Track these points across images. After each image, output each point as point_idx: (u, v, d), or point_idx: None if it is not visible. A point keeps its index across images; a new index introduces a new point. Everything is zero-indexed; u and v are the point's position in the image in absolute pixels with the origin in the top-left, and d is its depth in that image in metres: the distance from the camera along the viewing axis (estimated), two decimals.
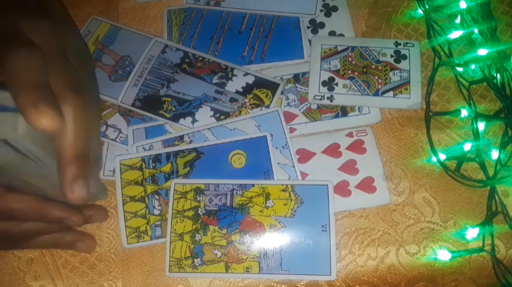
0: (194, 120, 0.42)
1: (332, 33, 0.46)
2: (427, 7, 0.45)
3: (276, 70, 0.44)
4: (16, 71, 0.29)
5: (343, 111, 0.43)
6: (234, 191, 0.39)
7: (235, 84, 0.43)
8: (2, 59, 0.29)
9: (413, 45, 0.44)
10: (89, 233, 0.40)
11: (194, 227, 0.38)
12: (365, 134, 0.41)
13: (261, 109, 0.42)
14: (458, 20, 0.45)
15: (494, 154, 0.40)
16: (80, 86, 0.33)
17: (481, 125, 0.41)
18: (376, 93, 0.43)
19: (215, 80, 0.43)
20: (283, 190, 0.39)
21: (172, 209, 0.39)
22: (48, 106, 0.28)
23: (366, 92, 0.43)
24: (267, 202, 0.38)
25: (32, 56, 0.30)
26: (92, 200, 0.40)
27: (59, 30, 0.34)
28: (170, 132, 0.42)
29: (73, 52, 0.35)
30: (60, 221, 0.34)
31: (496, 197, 0.39)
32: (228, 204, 0.39)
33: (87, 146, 0.32)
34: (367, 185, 0.40)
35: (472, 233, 0.38)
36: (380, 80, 0.43)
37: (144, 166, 0.40)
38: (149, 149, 0.41)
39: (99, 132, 0.38)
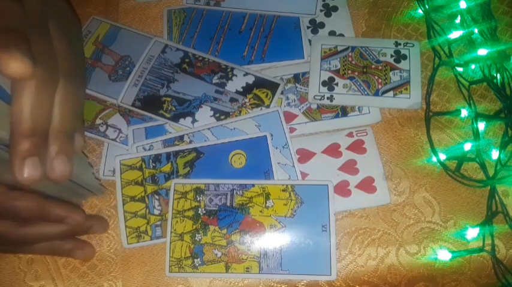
0: (194, 120, 0.42)
1: (332, 33, 0.46)
2: (427, 7, 0.45)
3: (276, 70, 0.44)
4: None
5: (343, 111, 0.43)
6: (234, 191, 0.39)
7: (235, 84, 0.43)
8: None
9: (413, 45, 0.44)
10: (88, 241, 0.39)
11: (194, 227, 0.38)
12: (365, 134, 0.41)
13: (261, 109, 0.42)
14: (458, 20, 0.45)
15: (494, 154, 0.40)
16: (50, 58, 0.31)
17: (481, 125, 0.41)
18: (376, 93, 0.43)
19: (215, 80, 0.43)
20: (283, 190, 0.39)
21: (173, 209, 0.39)
22: (20, 50, 0.26)
23: (366, 92, 0.43)
24: (267, 202, 0.38)
25: (12, 3, 0.28)
26: (82, 195, 0.39)
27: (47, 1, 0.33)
28: (170, 132, 0.42)
29: (55, 21, 0.33)
30: (62, 219, 0.34)
31: (496, 197, 0.39)
32: (228, 204, 0.39)
33: (47, 120, 0.30)
34: (367, 185, 0.40)
35: (472, 233, 0.38)
36: (380, 80, 0.43)
37: (144, 166, 0.40)
38: (149, 149, 0.41)
39: (78, 108, 0.34)
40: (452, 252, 0.37)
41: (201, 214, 0.39)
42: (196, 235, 0.38)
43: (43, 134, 0.29)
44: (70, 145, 0.32)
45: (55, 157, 0.30)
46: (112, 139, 0.42)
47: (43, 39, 0.31)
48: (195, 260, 0.37)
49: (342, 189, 0.40)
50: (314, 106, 0.43)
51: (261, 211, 0.38)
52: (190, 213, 0.39)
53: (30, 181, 0.28)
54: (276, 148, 0.40)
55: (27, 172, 0.28)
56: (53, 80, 0.30)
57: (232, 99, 0.43)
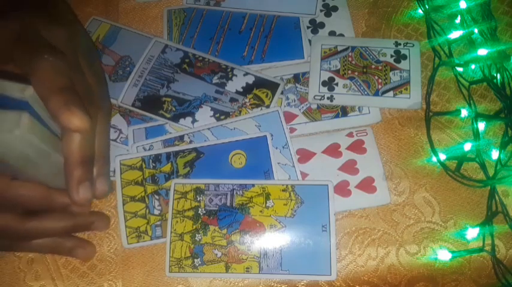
0: (194, 120, 0.42)
1: (332, 33, 0.46)
2: (427, 7, 0.45)
3: (276, 70, 0.44)
4: (46, 75, 0.31)
5: (343, 111, 0.43)
6: (234, 191, 0.39)
7: (235, 84, 0.43)
8: (30, 63, 0.31)
9: (413, 45, 0.44)
10: (89, 241, 0.39)
11: (194, 227, 0.38)
12: (365, 134, 0.41)
13: (261, 109, 0.42)
14: (458, 20, 0.45)
15: (494, 154, 0.40)
16: (89, 92, 0.34)
17: (481, 125, 0.41)
18: (376, 93, 0.43)
19: (215, 80, 0.43)
20: (283, 190, 0.39)
21: (173, 209, 0.39)
22: (78, 107, 0.30)
23: (366, 92, 0.43)
24: (267, 202, 0.38)
25: (59, 61, 0.32)
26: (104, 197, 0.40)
27: (72, 35, 0.36)
28: (170, 133, 0.42)
29: (84, 57, 0.36)
30: (67, 206, 0.35)
31: (496, 197, 0.39)
32: (228, 204, 0.39)
33: (93, 150, 0.34)
34: (367, 185, 0.40)
35: (472, 233, 0.38)
36: (380, 80, 0.43)
37: (144, 166, 0.40)
38: (149, 149, 0.41)
39: (109, 132, 0.40)
40: (452, 252, 0.37)
41: (201, 214, 0.39)
42: (196, 235, 0.38)
43: (91, 161, 0.34)
44: (107, 166, 0.37)
45: (97, 179, 0.35)
46: (112, 139, 0.42)
47: (81, 78, 0.35)
48: (195, 260, 0.37)
49: (342, 189, 0.40)
50: (314, 106, 0.43)
51: (261, 211, 0.38)
52: (190, 213, 0.39)
53: (83, 202, 0.33)
54: (276, 148, 0.40)
55: (82, 194, 0.33)
56: (96, 116, 0.35)
57: (232, 99, 0.43)
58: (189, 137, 0.41)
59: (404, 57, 0.44)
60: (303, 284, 0.38)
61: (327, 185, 0.39)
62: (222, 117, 0.42)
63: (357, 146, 0.41)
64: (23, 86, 0.30)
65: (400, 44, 0.44)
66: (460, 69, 0.43)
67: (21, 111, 0.29)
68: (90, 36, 0.45)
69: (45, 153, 0.31)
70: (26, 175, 0.32)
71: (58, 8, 0.39)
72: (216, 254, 0.37)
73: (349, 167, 0.40)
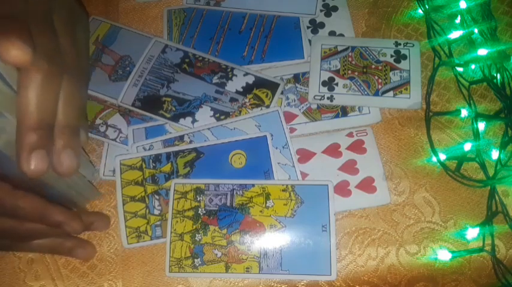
0: (194, 120, 0.42)
1: (332, 33, 0.46)
2: (427, 7, 0.45)
3: (276, 70, 0.44)
4: None
5: (343, 111, 0.43)
6: (234, 191, 0.39)
7: (235, 84, 0.43)
8: None
9: (413, 45, 0.44)
10: (90, 241, 0.39)
11: (194, 227, 0.38)
12: (365, 134, 0.41)
13: (261, 109, 0.42)
14: (458, 20, 0.45)
15: (494, 154, 0.40)
16: (55, 52, 0.31)
17: (481, 125, 0.41)
18: (376, 93, 0.43)
19: (215, 80, 0.43)
20: (283, 190, 0.39)
21: (173, 209, 0.39)
22: (20, 37, 0.27)
23: (366, 92, 0.43)
24: (267, 202, 0.38)
25: None
26: (79, 198, 0.39)
27: None
28: (170, 132, 0.42)
29: (59, 16, 0.33)
30: (59, 225, 0.34)
31: (496, 197, 0.39)
32: (228, 204, 0.39)
33: (52, 114, 0.30)
34: (367, 185, 0.40)
35: (472, 233, 0.38)
36: (380, 80, 0.43)
37: (144, 165, 0.40)
38: (149, 149, 0.41)
39: (82, 102, 0.35)
40: (452, 252, 0.37)
41: (201, 214, 0.39)
42: (196, 235, 0.38)
43: (49, 128, 0.30)
44: (76, 139, 0.32)
45: (62, 151, 0.31)
46: (112, 139, 0.42)
47: (47, 32, 0.31)
48: (195, 260, 0.37)
49: (342, 189, 0.40)
50: (314, 106, 0.43)
51: (261, 211, 0.38)
52: (190, 213, 0.39)
53: (37, 173, 0.29)
54: (276, 148, 0.40)
55: (35, 164, 0.28)
56: (58, 75, 0.30)
57: (232, 99, 0.43)
58: (189, 137, 0.41)
59: (404, 57, 0.44)
60: (303, 284, 0.38)
61: (327, 185, 0.39)
62: (222, 117, 0.42)
63: (357, 146, 0.41)
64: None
65: (400, 44, 0.44)
66: (460, 69, 0.43)
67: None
68: (80, 8, 0.41)
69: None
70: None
71: None
72: (216, 254, 0.37)
73: (349, 167, 0.40)
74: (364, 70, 0.44)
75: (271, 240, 0.37)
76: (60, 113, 0.31)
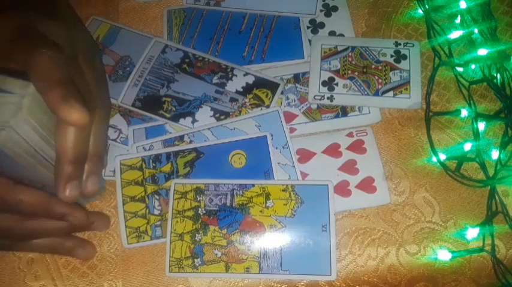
0: (194, 120, 0.42)
1: (332, 33, 0.46)
2: (427, 7, 0.45)
3: (276, 70, 0.44)
4: (44, 68, 0.31)
5: (343, 111, 0.43)
6: (234, 191, 0.39)
7: (235, 84, 0.43)
8: (29, 58, 0.31)
9: (413, 45, 0.44)
10: (89, 241, 0.39)
11: (194, 227, 0.38)
12: (365, 134, 0.41)
13: (261, 109, 0.42)
14: (458, 20, 0.45)
15: (494, 154, 0.40)
16: (86, 90, 0.34)
17: (481, 125, 0.41)
18: (376, 93, 0.43)
19: (215, 80, 0.43)
20: (283, 190, 0.39)
21: (173, 209, 0.39)
22: (77, 101, 0.30)
23: (366, 92, 0.43)
24: (267, 202, 0.38)
25: (57, 54, 0.32)
26: (91, 199, 0.40)
27: (71, 32, 0.36)
28: (170, 132, 0.42)
29: (83, 54, 0.36)
30: (63, 217, 0.35)
31: (496, 197, 0.39)
32: (228, 204, 0.39)
33: (87, 148, 0.34)
34: (367, 185, 0.40)
35: (472, 233, 0.38)
36: (380, 80, 0.43)
37: (144, 166, 0.40)
38: (149, 149, 0.41)
39: (107, 132, 0.40)
40: (452, 252, 0.37)
41: (201, 214, 0.39)
42: (196, 235, 0.38)
43: (83, 160, 0.34)
44: (100, 165, 0.37)
45: (88, 177, 0.35)
46: (112, 139, 0.42)
47: (79, 76, 0.34)
48: (195, 260, 0.37)
49: (342, 189, 0.40)
50: (314, 106, 0.43)
51: (261, 211, 0.38)
52: (190, 213, 0.39)
53: (70, 200, 0.33)
54: (276, 148, 0.40)
55: (69, 192, 0.32)
56: (92, 112, 0.34)
57: (232, 99, 0.43)
58: (189, 137, 0.41)
59: (404, 57, 0.44)
60: (303, 284, 0.38)
61: (327, 185, 0.39)
62: (222, 117, 0.42)
63: (357, 146, 0.41)
64: (25, 82, 0.30)
65: (400, 44, 0.44)
66: (460, 69, 0.43)
67: (23, 95, 0.29)
68: (90, 34, 0.45)
69: (42, 143, 0.31)
70: (25, 170, 0.32)
71: (57, 6, 0.38)
72: (216, 254, 0.37)
73: (349, 167, 0.40)
74: (364, 70, 0.44)
75: (271, 240, 0.37)
76: (91, 145, 0.35)
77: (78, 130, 0.32)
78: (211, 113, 0.42)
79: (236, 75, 0.43)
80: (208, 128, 0.41)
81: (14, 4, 0.35)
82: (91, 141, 0.35)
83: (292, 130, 0.42)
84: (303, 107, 0.43)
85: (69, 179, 0.32)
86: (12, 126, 0.29)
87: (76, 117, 0.30)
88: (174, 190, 0.39)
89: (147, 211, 0.39)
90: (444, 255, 0.37)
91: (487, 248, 0.37)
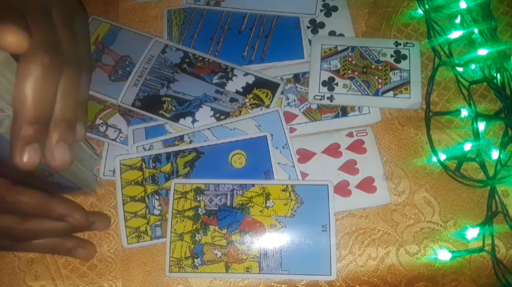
0: (194, 120, 0.42)
1: (332, 33, 0.46)
2: (427, 7, 0.45)
3: (276, 70, 0.44)
4: None
5: (343, 111, 0.43)
6: (234, 191, 0.39)
7: (235, 84, 0.43)
8: None
9: (413, 45, 0.44)
10: (90, 241, 0.39)
11: (194, 227, 0.38)
12: (365, 134, 0.41)
13: (261, 109, 0.42)
14: (458, 20, 0.45)
15: (495, 154, 0.40)
16: (54, 46, 0.31)
17: (481, 125, 0.41)
18: (376, 93, 0.43)
19: (215, 80, 0.43)
20: (283, 190, 0.39)
21: (173, 209, 0.39)
22: (15, 23, 0.26)
23: (366, 92, 0.43)
24: (267, 202, 0.38)
25: None
26: (75, 186, 0.38)
27: None
28: (170, 133, 0.42)
29: (58, 9, 0.33)
30: (63, 218, 0.34)
31: (496, 197, 0.39)
32: (228, 204, 0.39)
33: (49, 108, 0.30)
34: (367, 185, 0.40)
35: (472, 233, 0.38)
36: (380, 80, 0.43)
37: (144, 165, 0.40)
38: (149, 149, 0.41)
39: (81, 96, 0.35)
40: (452, 252, 0.37)
41: (201, 214, 0.39)
42: (196, 235, 0.38)
43: (45, 121, 0.30)
44: (71, 133, 0.32)
45: (55, 145, 0.30)
46: (112, 139, 0.42)
47: (46, 25, 0.31)
48: (195, 260, 0.37)
49: (342, 189, 0.40)
50: (314, 106, 0.43)
51: (261, 211, 0.38)
52: (190, 213, 0.39)
53: (29, 166, 0.29)
54: (276, 148, 0.40)
55: (27, 157, 0.28)
56: (57, 68, 0.30)
57: (232, 99, 0.43)
58: (189, 137, 0.41)
59: (404, 57, 0.44)
60: (303, 284, 0.38)
61: (327, 185, 0.39)
62: (222, 117, 0.42)
63: (357, 146, 0.41)
64: None
65: (400, 44, 0.44)
66: (460, 69, 0.43)
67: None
68: (78, 2, 0.41)
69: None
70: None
71: None
72: (216, 254, 0.37)
73: (349, 167, 0.40)
74: (364, 70, 0.44)
75: (271, 240, 0.37)
76: (57, 106, 0.31)
77: (39, 83, 0.28)
78: (211, 113, 0.42)
79: (236, 75, 0.43)
80: (208, 128, 0.41)
81: None
82: (58, 101, 0.30)
83: (292, 130, 0.42)
84: (303, 107, 0.43)
85: (26, 142, 0.28)
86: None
87: (11, 39, 0.26)
88: (174, 189, 0.39)
89: (147, 211, 0.39)
90: (444, 255, 0.37)
91: (487, 248, 0.37)
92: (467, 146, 0.40)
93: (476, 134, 0.40)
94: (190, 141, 0.41)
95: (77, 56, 0.34)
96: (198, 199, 0.39)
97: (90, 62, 0.38)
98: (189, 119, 0.42)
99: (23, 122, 0.28)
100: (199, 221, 0.38)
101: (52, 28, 0.31)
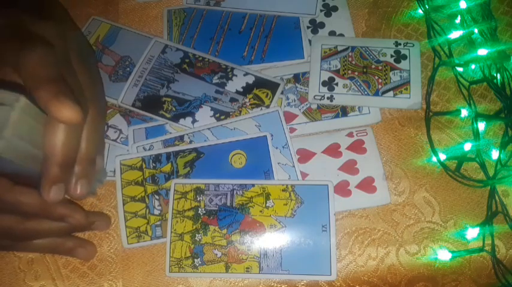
0: (194, 120, 0.42)
1: (332, 33, 0.46)
2: (427, 7, 0.45)
3: (276, 70, 0.44)
4: (35, 67, 0.30)
5: (343, 111, 0.43)
6: (234, 191, 0.39)
7: (235, 84, 0.43)
8: (19, 56, 0.30)
9: (413, 45, 0.44)
10: (90, 241, 0.39)
11: (194, 227, 0.38)
12: (365, 134, 0.41)
13: (261, 109, 0.42)
14: (458, 20, 0.45)
15: (495, 154, 0.40)
16: (78, 91, 0.33)
17: (481, 125, 0.41)
18: (376, 93, 0.43)
19: (215, 80, 0.43)
20: (283, 190, 0.39)
21: (173, 209, 0.39)
22: (69, 98, 0.29)
23: (366, 92, 0.43)
24: (267, 202, 0.38)
25: (48, 52, 0.31)
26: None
27: (63, 31, 0.35)
28: (170, 133, 0.42)
29: (75, 54, 0.35)
30: (63, 218, 0.35)
31: (496, 197, 0.39)
32: (228, 204, 0.39)
33: (76, 151, 0.33)
34: (367, 185, 0.40)
35: (472, 233, 0.38)
36: (380, 80, 0.43)
37: (144, 166, 0.40)
38: (149, 149, 0.41)
39: (101, 135, 0.39)
40: (452, 252, 0.37)
41: (201, 214, 0.39)
42: (196, 235, 0.38)
43: (72, 163, 0.33)
44: (92, 169, 0.35)
45: (78, 181, 0.34)
46: (112, 139, 0.42)
47: (71, 75, 0.33)
48: (195, 260, 0.37)
49: (342, 189, 0.40)
50: (314, 106, 0.43)
51: (261, 211, 0.38)
52: (190, 213, 0.39)
53: (53, 201, 0.32)
54: (276, 148, 0.40)
55: (53, 195, 0.31)
56: (84, 113, 0.33)
57: (232, 99, 0.43)
58: (189, 137, 0.41)
59: (404, 57, 0.44)
60: (303, 284, 0.38)
61: (327, 185, 0.39)
62: (222, 117, 0.42)
63: (357, 146, 0.41)
64: (17, 94, 0.29)
65: (400, 44, 0.44)
66: (460, 69, 0.43)
67: (19, 95, 0.28)
68: (83, 34, 0.44)
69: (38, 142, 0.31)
70: (23, 168, 0.31)
71: (49, 5, 0.38)
72: (216, 254, 0.37)
73: (349, 167, 0.40)
74: (364, 70, 0.44)
75: (271, 240, 0.37)
76: (82, 147, 0.34)
77: (68, 131, 0.31)
78: (211, 113, 0.42)
79: (236, 75, 0.43)
80: (208, 128, 0.41)
81: (2, 3, 0.34)
82: (82, 143, 0.34)
83: (292, 130, 0.42)
84: (303, 107, 0.43)
85: (54, 182, 0.31)
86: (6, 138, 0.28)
87: (68, 115, 0.29)
88: (174, 190, 0.39)
89: (147, 211, 0.40)
90: (444, 255, 0.37)
91: (487, 248, 0.37)
92: (467, 146, 0.40)
93: (476, 134, 0.40)
94: (190, 142, 0.41)
95: (97, 96, 0.37)
96: (198, 199, 0.39)
97: (105, 98, 0.41)
98: (189, 119, 0.42)
99: (53, 164, 0.31)
100: (199, 221, 0.38)
101: (73, 74, 0.34)
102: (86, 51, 0.41)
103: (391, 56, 0.44)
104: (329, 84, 0.43)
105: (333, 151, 0.41)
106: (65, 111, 0.29)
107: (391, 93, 0.42)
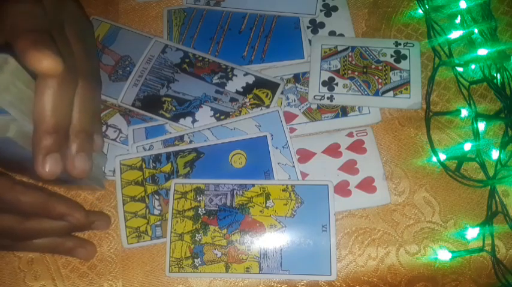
0: (194, 120, 0.42)
1: (332, 33, 0.46)
2: (427, 7, 0.45)
3: (276, 70, 0.44)
4: (16, 16, 0.29)
5: (343, 111, 0.43)
6: (234, 191, 0.39)
7: (235, 84, 0.43)
8: (5, 10, 0.29)
9: (413, 45, 0.44)
10: (90, 241, 0.39)
11: (194, 227, 0.38)
12: (365, 134, 0.41)
13: (261, 109, 0.42)
14: (458, 20, 0.45)
15: (495, 154, 0.40)
16: (69, 58, 0.32)
17: (481, 125, 0.41)
18: (376, 93, 0.43)
19: (215, 80, 0.43)
20: (283, 190, 0.39)
21: (173, 209, 0.39)
22: (49, 48, 0.28)
23: (366, 92, 0.43)
24: (267, 202, 0.38)
25: (35, 6, 0.30)
26: (87, 184, 0.39)
27: (59, 1, 0.34)
28: (170, 132, 0.42)
29: (71, 22, 0.34)
30: (63, 217, 0.35)
31: (496, 197, 0.39)
32: (228, 204, 0.39)
33: (67, 119, 0.31)
34: (367, 185, 0.40)
35: (472, 233, 0.38)
36: (380, 80, 0.43)
37: (144, 165, 0.40)
38: (149, 149, 0.41)
39: (96, 108, 0.37)
40: (452, 252, 0.37)
41: (201, 214, 0.39)
42: (196, 235, 0.38)
43: (64, 132, 0.31)
44: (89, 143, 0.34)
45: (76, 155, 0.32)
46: (112, 139, 0.42)
47: (62, 40, 0.32)
48: (195, 260, 0.37)
49: (342, 189, 0.40)
50: (314, 106, 0.43)
51: (261, 211, 0.38)
52: (190, 213, 0.39)
53: (51, 176, 0.30)
54: (276, 148, 0.40)
55: (49, 166, 0.29)
56: (73, 81, 0.32)
57: (232, 99, 0.43)
58: (189, 137, 0.41)
59: (404, 57, 0.44)
60: (303, 284, 0.38)
61: (327, 185, 0.39)
62: (222, 117, 0.42)
63: (357, 146, 0.41)
64: (5, 55, 0.27)
65: (400, 44, 0.44)
66: (460, 69, 0.43)
67: (7, 56, 0.27)
68: (81, 6, 0.43)
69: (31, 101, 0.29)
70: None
71: None
72: (216, 254, 0.37)
73: (349, 167, 0.40)
74: (364, 70, 0.44)
75: (271, 240, 0.37)
76: (75, 117, 0.32)
77: (56, 94, 0.29)
78: (211, 113, 0.42)
79: (236, 75, 0.43)
80: (208, 128, 0.41)
81: None
82: (75, 113, 0.32)
83: (292, 130, 0.42)
84: (303, 107, 0.43)
85: (47, 152, 0.29)
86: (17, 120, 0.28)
87: (47, 64, 0.27)
88: (174, 189, 0.39)
89: (147, 211, 0.39)
90: (444, 255, 0.37)
91: (487, 248, 0.37)
92: (467, 146, 0.40)
93: (476, 134, 0.40)
94: (190, 141, 0.41)
95: (90, 69, 0.35)
96: (198, 199, 0.39)
97: (99, 75, 0.40)
98: (189, 119, 0.42)
99: (43, 132, 0.29)
100: (199, 221, 0.38)
101: (67, 44, 0.33)
102: (83, 23, 0.39)
103: (391, 56, 0.44)
104: (329, 84, 0.43)
105: (333, 151, 0.41)
106: (44, 61, 0.27)
107: (391, 93, 0.42)
